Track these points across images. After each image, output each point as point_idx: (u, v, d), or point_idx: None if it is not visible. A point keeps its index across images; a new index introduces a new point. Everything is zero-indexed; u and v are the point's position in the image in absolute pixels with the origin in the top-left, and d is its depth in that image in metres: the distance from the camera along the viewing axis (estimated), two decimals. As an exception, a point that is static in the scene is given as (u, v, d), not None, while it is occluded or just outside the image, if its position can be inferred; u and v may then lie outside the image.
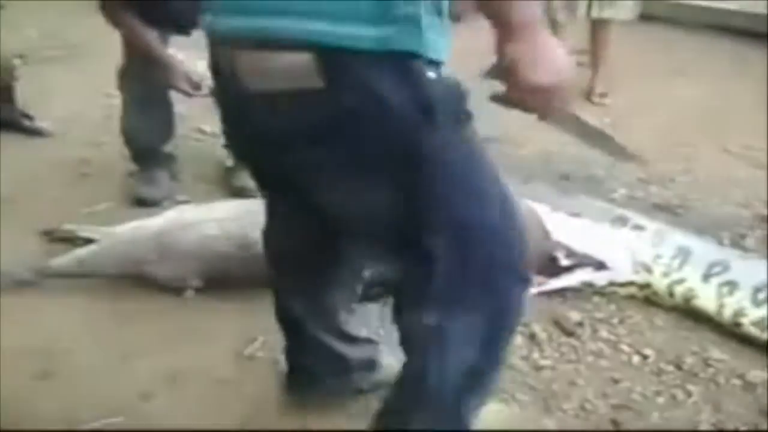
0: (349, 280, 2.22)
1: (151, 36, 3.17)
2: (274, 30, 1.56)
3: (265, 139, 1.71)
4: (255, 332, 2.68)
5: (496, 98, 1.64)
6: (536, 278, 2.58)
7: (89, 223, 3.23)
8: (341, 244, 2.06)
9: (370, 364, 2.31)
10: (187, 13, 2.84)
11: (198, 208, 2.97)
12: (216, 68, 1.75)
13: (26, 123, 4.15)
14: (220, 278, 2.83)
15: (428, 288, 1.75)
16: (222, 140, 3.81)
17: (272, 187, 2.01)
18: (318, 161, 1.66)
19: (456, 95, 1.64)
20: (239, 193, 3.51)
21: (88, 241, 3.06)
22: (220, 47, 1.70)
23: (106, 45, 5.18)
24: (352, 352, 2.27)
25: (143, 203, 3.44)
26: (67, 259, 2.88)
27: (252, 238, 2.67)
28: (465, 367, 1.81)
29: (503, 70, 1.57)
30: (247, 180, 3.41)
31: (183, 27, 2.99)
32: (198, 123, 4.05)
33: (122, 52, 3.45)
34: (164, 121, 3.56)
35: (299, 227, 2.02)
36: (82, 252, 2.90)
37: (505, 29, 1.54)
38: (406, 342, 1.88)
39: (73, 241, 3.14)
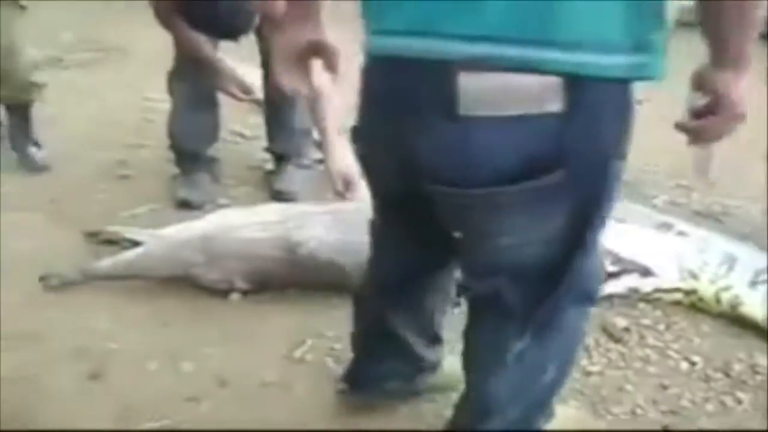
0: (447, 284, 2.20)
1: (201, 39, 3.17)
2: (519, 57, 1.50)
3: (455, 165, 1.61)
4: (302, 335, 2.69)
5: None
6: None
7: (131, 226, 3.24)
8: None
9: (435, 367, 2.32)
10: (237, 19, 2.84)
11: (243, 211, 2.98)
12: (389, 88, 1.66)
13: (31, 153, 3.88)
14: (266, 281, 2.84)
15: (515, 308, 1.79)
16: (262, 143, 3.90)
17: (408, 212, 1.89)
18: (521, 189, 1.59)
19: None
20: (279, 196, 3.52)
21: (134, 243, 3.08)
22: (406, 67, 1.60)
23: (142, 48, 5.30)
24: (431, 354, 2.28)
25: (185, 206, 3.46)
26: (114, 260, 2.89)
27: (297, 240, 2.70)
28: (541, 387, 1.90)
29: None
30: (287, 183, 3.45)
31: (232, 33, 2.99)
32: (236, 126, 4.05)
33: (173, 55, 3.46)
34: (211, 124, 3.58)
35: (415, 250, 2.02)
36: (129, 254, 2.90)
37: (733, 61, 1.60)
38: (478, 357, 1.92)
39: (118, 243, 3.15)
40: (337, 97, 3.14)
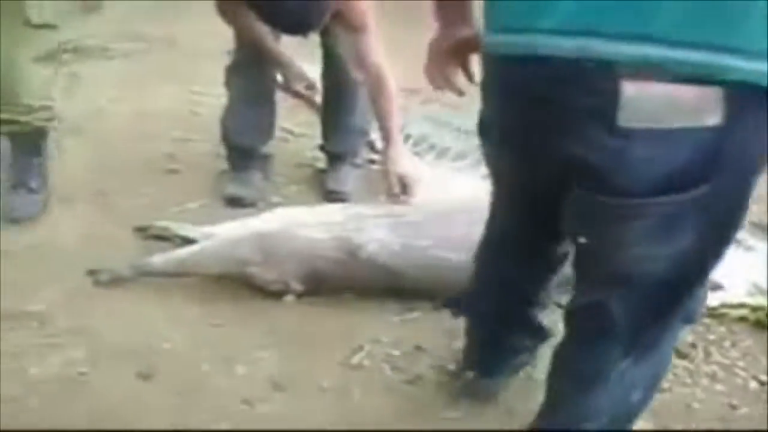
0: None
1: (265, 33, 3.10)
2: (698, 62, 1.43)
3: (608, 175, 1.56)
4: (359, 340, 2.62)
5: None
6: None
7: (181, 221, 3.17)
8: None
9: (551, 334, 2.34)
10: (313, 13, 2.76)
11: (300, 211, 2.90)
12: (533, 90, 1.60)
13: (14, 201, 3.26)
14: (322, 283, 2.76)
15: (623, 324, 1.76)
16: (312, 141, 3.83)
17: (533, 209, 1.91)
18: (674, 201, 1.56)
19: None
20: (332, 196, 3.44)
21: (184, 239, 3.01)
22: (557, 70, 1.54)
23: (188, 39, 5.23)
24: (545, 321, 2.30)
25: (236, 203, 3.38)
26: (166, 257, 2.83)
27: (357, 243, 2.63)
28: (630, 406, 1.90)
29: None
30: (340, 183, 3.37)
31: (304, 27, 2.91)
32: (285, 123, 3.97)
33: (233, 49, 3.40)
34: (267, 121, 3.50)
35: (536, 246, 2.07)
36: (182, 251, 2.84)
37: None
38: (577, 370, 1.89)
39: (168, 238, 3.08)
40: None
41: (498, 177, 1.99)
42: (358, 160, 3.63)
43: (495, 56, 1.70)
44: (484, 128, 1.87)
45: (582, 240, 1.74)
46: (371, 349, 2.58)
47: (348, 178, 3.54)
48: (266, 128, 3.51)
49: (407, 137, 3.74)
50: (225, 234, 2.87)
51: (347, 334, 2.64)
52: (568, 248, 2.04)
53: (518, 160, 1.79)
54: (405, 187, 3.03)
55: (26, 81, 3.06)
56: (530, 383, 2.41)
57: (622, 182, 1.54)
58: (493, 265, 2.23)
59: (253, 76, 3.37)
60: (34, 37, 3.01)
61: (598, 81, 1.48)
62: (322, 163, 3.74)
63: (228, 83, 3.44)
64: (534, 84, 1.59)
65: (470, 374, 2.38)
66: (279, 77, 3.40)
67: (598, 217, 1.64)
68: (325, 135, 3.62)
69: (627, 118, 1.48)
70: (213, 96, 4.35)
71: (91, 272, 2.83)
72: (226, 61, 3.49)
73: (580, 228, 1.73)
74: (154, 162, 3.75)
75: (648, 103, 1.47)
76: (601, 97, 1.48)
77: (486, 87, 1.77)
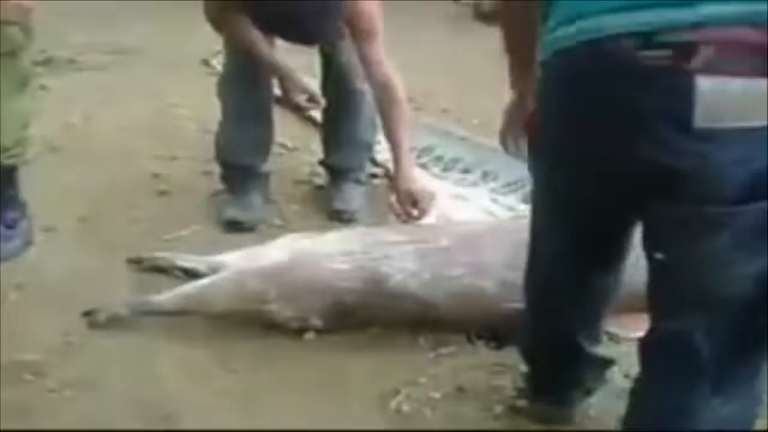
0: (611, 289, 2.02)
1: (260, 40, 2.84)
2: None
3: (688, 181, 1.47)
4: (393, 382, 2.37)
5: None
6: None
7: (177, 249, 2.91)
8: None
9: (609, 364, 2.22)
10: (326, 20, 2.52)
11: (314, 238, 2.64)
12: (595, 90, 1.53)
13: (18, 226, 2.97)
14: (345, 318, 2.51)
15: (710, 355, 1.60)
16: (305, 155, 3.59)
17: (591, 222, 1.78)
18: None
19: None
20: (338, 216, 3.21)
21: (185, 271, 2.76)
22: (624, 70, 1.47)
23: (158, 49, 4.97)
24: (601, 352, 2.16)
25: (236, 228, 3.13)
26: (171, 294, 2.56)
27: (384, 273, 2.40)
28: None
29: None
30: (346, 202, 3.14)
31: (316, 37, 2.66)
32: (277, 136, 3.71)
33: (225, 59, 3.14)
34: (266, 137, 3.25)
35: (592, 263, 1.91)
36: (188, 287, 2.58)
37: None
38: (660, 412, 1.70)
39: (166, 270, 2.82)
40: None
41: (550, 196, 1.85)
42: (362, 176, 3.39)
43: (552, 60, 1.63)
44: (533, 143, 1.80)
45: (659, 257, 1.60)
46: (409, 392, 2.33)
47: (353, 196, 3.30)
48: (265, 145, 3.26)
49: (411, 149, 3.50)
50: (234, 266, 2.60)
51: (379, 375, 2.40)
52: (620, 276, 1.94)
53: (580, 174, 1.67)
54: (417, 206, 2.81)
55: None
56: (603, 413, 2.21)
57: (705, 189, 1.46)
58: (542, 296, 2.05)
59: (248, 88, 3.11)
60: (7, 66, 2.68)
61: (669, 77, 1.41)
62: (320, 179, 3.51)
63: (221, 97, 3.18)
64: (599, 84, 1.51)
65: (538, 404, 2.20)
66: (277, 89, 3.15)
67: (679, 230, 1.54)
68: (327, 149, 3.37)
69: (704, 118, 1.40)
70: (191, 108, 4.15)
71: (87, 313, 2.56)
72: (200, 70, 3.23)
73: (657, 243, 1.61)
74: (140, 183, 3.48)
75: (725, 99, 1.39)
76: (673, 95, 1.41)
77: (540, 99, 1.72)
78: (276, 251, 2.59)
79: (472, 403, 2.31)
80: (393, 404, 2.29)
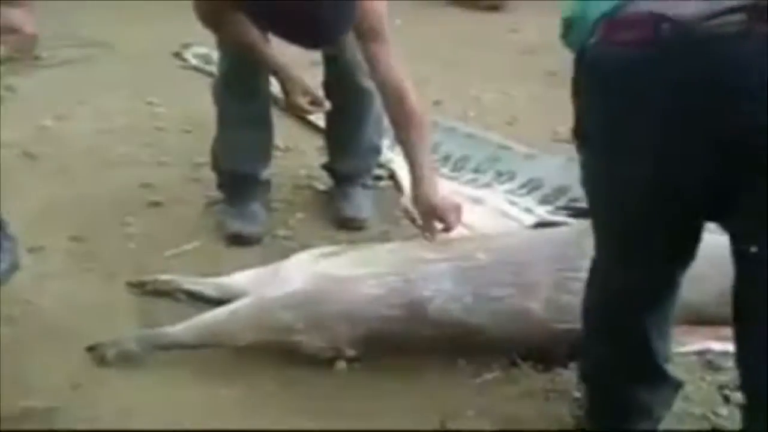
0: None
1: (258, 40, 2.60)
2: None
3: None
4: (438, 413, 2.18)
5: None
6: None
7: (178, 269, 2.69)
8: None
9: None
10: (341, 22, 2.30)
11: (339, 258, 2.44)
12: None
13: None
14: (378, 346, 2.31)
15: None
16: (300, 157, 3.37)
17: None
18: None
19: None
20: (348, 224, 3.01)
21: (191, 294, 2.54)
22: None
23: (130, 43, 4.69)
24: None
25: (240, 242, 2.91)
26: (185, 326, 2.34)
27: (422, 297, 2.20)
28: None
29: None
30: (356, 210, 2.95)
31: (329, 39, 2.43)
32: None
33: (220, 60, 2.90)
34: (266, 142, 3.03)
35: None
36: (207, 317, 2.36)
37: None
38: None
39: (170, 293, 2.59)
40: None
41: (621, 200, 1.69)
42: (369, 181, 3.18)
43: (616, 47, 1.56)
44: (595, 142, 1.68)
45: (754, 250, 1.53)
46: (458, 426, 2.14)
47: (363, 202, 3.11)
48: (266, 150, 3.05)
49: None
50: (252, 292, 2.39)
51: (422, 407, 2.20)
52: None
53: (659, 167, 1.57)
54: (443, 222, 2.55)
55: None
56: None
57: None
58: (611, 307, 1.88)
59: (246, 91, 2.88)
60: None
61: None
62: (320, 184, 3.31)
63: (217, 101, 2.95)
64: (680, 64, 1.46)
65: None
66: (278, 92, 2.91)
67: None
68: (333, 153, 3.16)
69: None
70: (170, 106, 3.93)
71: (92, 348, 2.33)
72: (173, 63, 2.99)
73: (750, 235, 1.54)
74: (130, 194, 3.24)
75: None
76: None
77: (600, 90, 1.62)
78: (298, 275, 2.37)
79: (528, 433, 2.13)
80: (441, 441, 2.10)
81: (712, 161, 1.50)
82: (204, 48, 4.25)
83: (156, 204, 3.16)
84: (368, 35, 2.53)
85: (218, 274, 2.65)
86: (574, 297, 2.07)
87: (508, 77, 4.34)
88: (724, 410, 2.14)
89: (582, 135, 1.72)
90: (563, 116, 1.90)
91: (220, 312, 2.35)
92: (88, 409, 2.16)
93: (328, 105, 2.76)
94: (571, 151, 1.90)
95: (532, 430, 2.12)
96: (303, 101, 2.71)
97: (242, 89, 2.86)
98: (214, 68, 3.34)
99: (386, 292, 2.28)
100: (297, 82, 2.68)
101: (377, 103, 2.87)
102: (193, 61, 4.50)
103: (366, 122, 3.01)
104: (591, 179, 1.77)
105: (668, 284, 1.81)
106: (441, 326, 2.27)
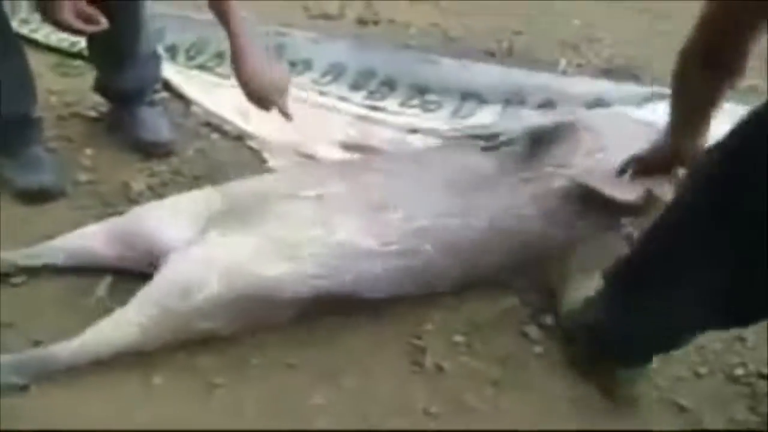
0: None
1: None
2: None
3: None
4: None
5: None
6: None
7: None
8: None
9: None
10: None
11: (249, 234, 1.99)
12: None
13: None
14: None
15: None
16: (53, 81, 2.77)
17: None
18: None
19: None
20: (152, 150, 2.60)
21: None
22: None
23: None
24: None
25: (41, 197, 2.32)
26: (80, 343, 1.82)
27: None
28: None
29: None
30: (156, 132, 2.64)
31: None
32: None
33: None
34: (28, 71, 2.35)
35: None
36: (105, 331, 1.83)
37: None
38: None
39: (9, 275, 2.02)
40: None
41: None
42: (156, 98, 2.71)
43: None
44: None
45: None
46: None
47: (160, 122, 2.63)
48: (31, 82, 2.38)
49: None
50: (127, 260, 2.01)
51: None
52: None
53: None
54: (266, 104, 2.27)
55: None
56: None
57: None
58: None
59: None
60: None
61: None
62: (90, 110, 2.75)
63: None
64: None
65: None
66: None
67: None
68: (104, 69, 2.59)
69: None
70: None
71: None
72: None
73: None
74: None
75: None
76: None
77: None
78: (211, 275, 1.88)
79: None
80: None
81: None
82: None
83: None
84: None
85: (39, 240, 2.09)
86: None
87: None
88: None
89: None
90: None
91: (123, 323, 1.83)
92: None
93: (104, 21, 2.17)
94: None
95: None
96: (72, 18, 2.10)
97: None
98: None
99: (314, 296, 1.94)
100: None
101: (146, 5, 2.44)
102: None
103: (143, 22, 2.48)
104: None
105: None
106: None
